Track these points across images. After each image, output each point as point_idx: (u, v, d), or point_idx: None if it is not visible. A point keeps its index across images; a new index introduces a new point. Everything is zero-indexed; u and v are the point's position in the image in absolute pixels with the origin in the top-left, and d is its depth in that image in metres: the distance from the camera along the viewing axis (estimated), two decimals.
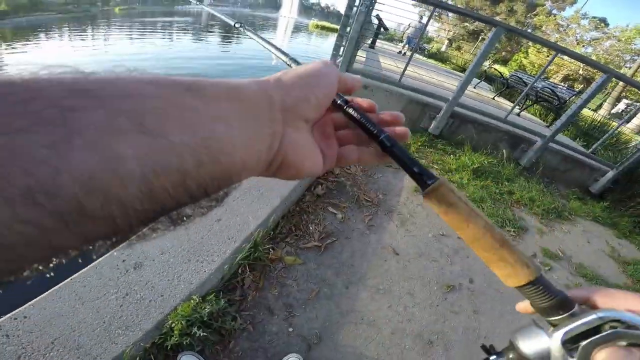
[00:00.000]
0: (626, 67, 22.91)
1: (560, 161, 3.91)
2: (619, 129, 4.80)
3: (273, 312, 1.32)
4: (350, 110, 0.30)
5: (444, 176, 2.88)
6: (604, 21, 29.40)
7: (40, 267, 0.13)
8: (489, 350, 0.34)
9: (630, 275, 2.63)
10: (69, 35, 10.44)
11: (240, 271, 1.37)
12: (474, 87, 5.42)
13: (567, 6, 36.31)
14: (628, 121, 4.16)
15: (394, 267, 1.77)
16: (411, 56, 3.60)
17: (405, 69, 3.59)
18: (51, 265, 0.14)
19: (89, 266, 1.16)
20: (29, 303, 1.01)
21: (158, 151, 0.14)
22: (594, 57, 23.55)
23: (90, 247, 0.15)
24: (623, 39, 23.28)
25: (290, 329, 1.30)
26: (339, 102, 0.30)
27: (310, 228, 1.81)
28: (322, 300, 1.44)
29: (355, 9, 3.38)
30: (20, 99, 0.12)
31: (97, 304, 1.07)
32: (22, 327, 0.95)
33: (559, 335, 0.26)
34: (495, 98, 6.75)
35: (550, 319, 0.28)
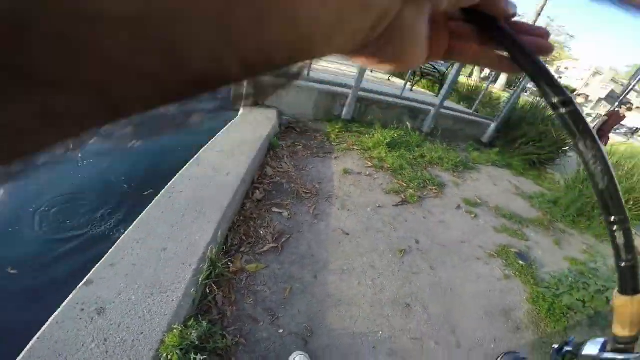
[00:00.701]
0: None
1: (453, 123, 4.50)
2: (488, 89, 5.73)
3: (257, 320, 1.29)
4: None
5: (364, 154, 3.10)
6: None
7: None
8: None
9: (538, 208, 3.15)
10: None
11: (208, 291, 1.30)
12: (371, 71, 5.90)
13: None
14: (494, 82, 5.02)
15: (348, 247, 1.86)
16: None
17: (311, 64, 3.72)
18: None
19: (48, 322, 1.03)
20: None
21: None
22: None
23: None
24: None
25: (281, 331, 1.28)
26: None
27: (261, 232, 1.79)
28: (297, 296, 1.44)
29: None
30: None
31: (80, 356, 0.96)
32: None
33: None
34: (390, 78, 7.44)
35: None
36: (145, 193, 2.87)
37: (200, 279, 1.31)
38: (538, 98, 5.05)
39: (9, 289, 1.85)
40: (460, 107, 5.63)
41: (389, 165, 3.00)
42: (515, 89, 4.63)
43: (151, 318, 1.10)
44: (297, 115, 3.77)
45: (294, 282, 1.51)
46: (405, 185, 2.77)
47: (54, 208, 2.54)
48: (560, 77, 35.01)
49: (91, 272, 1.21)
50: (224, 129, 2.75)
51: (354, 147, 3.27)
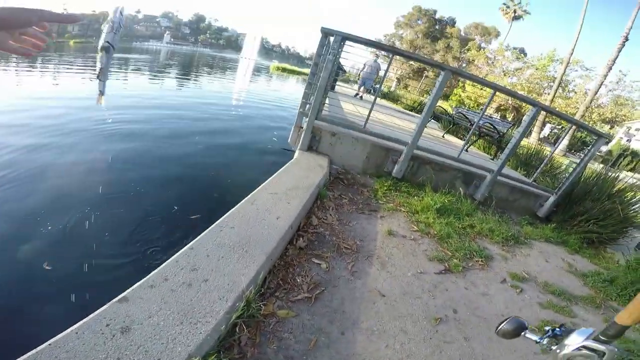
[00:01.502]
0: (545, 92, 25.94)
1: (508, 192, 4.31)
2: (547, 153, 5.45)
3: None
4: None
5: (411, 217, 3.07)
6: (522, 51, 33.93)
7: None
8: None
9: (591, 287, 2.87)
10: (17, 65, 10.30)
11: (237, 330, 1.35)
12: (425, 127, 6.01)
13: (493, 39, 42.10)
14: (553, 144, 4.78)
15: (383, 308, 1.82)
16: (374, 102, 3.93)
17: (369, 116, 3.90)
18: None
19: (67, 331, 1.08)
20: None
21: None
22: (518, 86, 26.74)
23: None
24: (540, 67, 26.51)
25: None
26: None
27: (298, 280, 1.84)
28: (321, 349, 1.44)
29: (322, 56, 3.62)
30: None
31: None
32: None
33: None
34: (444, 136, 7.43)
35: None
36: (193, 217, 3.12)
37: (233, 317, 1.36)
38: (606, 168, 4.70)
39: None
40: (517, 174, 5.40)
41: (435, 232, 2.94)
42: (579, 155, 4.36)
43: (173, 346, 1.13)
44: (346, 166, 3.90)
45: (320, 335, 1.51)
46: (450, 254, 2.68)
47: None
48: (629, 141, 31.46)
49: (128, 290, 1.29)
50: (279, 171, 2.94)
51: (401, 208, 3.27)
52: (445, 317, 1.91)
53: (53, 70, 11.29)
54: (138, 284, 1.33)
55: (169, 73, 16.37)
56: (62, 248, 2.49)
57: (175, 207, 3.25)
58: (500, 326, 0.87)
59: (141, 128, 5.48)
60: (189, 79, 14.58)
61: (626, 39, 17.10)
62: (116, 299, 1.24)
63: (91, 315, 1.15)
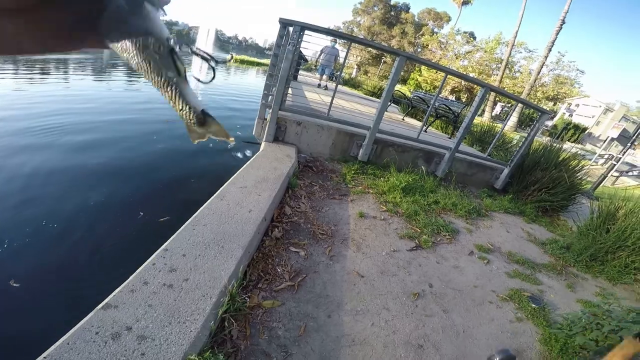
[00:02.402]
0: (494, 74, 27.45)
1: (467, 167, 4.56)
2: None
3: (270, 355, 1.31)
4: None
5: (380, 198, 3.16)
6: (472, 35, 35.43)
7: None
8: None
9: (551, 254, 3.14)
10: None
11: (226, 324, 1.34)
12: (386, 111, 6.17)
13: (445, 24, 43.61)
14: (505, 123, 5.10)
15: (363, 289, 1.88)
16: (335, 89, 3.95)
17: (331, 103, 3.93)
18: None
19: (58, 342, 1.04)
20: None
21: None
22: (469, 69, 28.02)
23: None
24: (488, 50, 27.92)
25: None
26: None
27: (278, 270, 1.84)
28: (311, 334, 1.47)
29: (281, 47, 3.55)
30: None
31: None
32: None
33: None
34: (404, 119, 7.67)
35: None
36: (161, 219, 3.01)
37: (220, 312, 1.35)
38: (551, 140, 5.12)
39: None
40: (474, 150, 5.73)
41: (403, 211, 3.05)
42: (528, 130, 4.69)
43: (167, 347, 1.12)
44: (314, 153, 3.92)
45: (308, 321, 1.54)
46: (419, 230, 2.81)
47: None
48: (571, 115, 34.48)
49: (110, 296, 1.25)
50: (246, 164, 2.89)
51: (370, 190, 3.35)
52: (422, 292, 2.01)
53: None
54: (118, 289, 1.29)
55: (117, 72, 15.36)
56: (29, 265, 2.31)
57: (141, 213, 3.10)
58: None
59: (92, 131, 5.12)
60: (138, 79, 13.76)
61: (563, 22, 18.43)
62: (99, 306, 1.19)
63: (78, 325, 1.10)
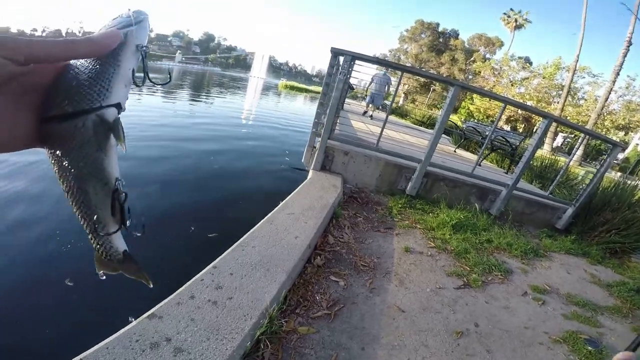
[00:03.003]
0: (555, 101, 25.55)
1: (525, 206, 4.27)
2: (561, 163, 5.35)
3: None
4: None
5: (427, 233, 3.08)
6: (528, 60, 33.73)
7: None
8: None
9: (617, 296, 2.80)
10: None
11: (262, 346, 1.39)
12: None
13: (497, 49, 42.26)
14: (571, 158, 4.71)
15: (402, 324, 1.83)
16: (385, 120, 3.99)
17: (381, 134, 3.98)
18: None
19: (98, 345, 1.14)
20: None
21: None
22: (527, 96, 26.42)
23: None
24: (547, 76, 26.15)
25: None
26: None
27: (317, 297, 1.87)
28: None
29: (332, 76, 3.71)
30: None
31: None
32: None
33: None
34: (456, 150, 7.43)
35: None
36: (211, 235, 3.21)
37: (257, 333, 1.41)
38: (623, 177, 4.60)
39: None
40: (533, 187, 5.35)
41: (452, 248, 2.94)
42: (595, 164, 4.28)
43: None
44: (360, 184, 3.95)
45: (341, 351, 1.54)
46: (468, 269, 2.68)
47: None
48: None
49: (156, 306, 1.34)
50: (295, 191, 3.02)
51: (417, 225, 3.29)
52: (466, 331, 1.91)
53: None
54: (165, 301, 1.39)
55: (182, 93, 17.05)
56: (82, 267, 2.59)
57: (192, 228, 3.35)
58: None
59: (149, 148, 5.71)
60: (199, 99, 15.18)
61: (630, 43, 17.03)
62: (145, 315, 1.29)
63: (121, 331, 1.20)
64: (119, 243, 0.39)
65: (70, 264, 2.55)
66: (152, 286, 0.42)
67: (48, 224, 3.01)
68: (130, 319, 1.28)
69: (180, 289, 1.49)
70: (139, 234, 0.42)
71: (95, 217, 0.35)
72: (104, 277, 0.42)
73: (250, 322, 1.42)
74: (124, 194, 0.35)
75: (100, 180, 0.33)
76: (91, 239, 0.37)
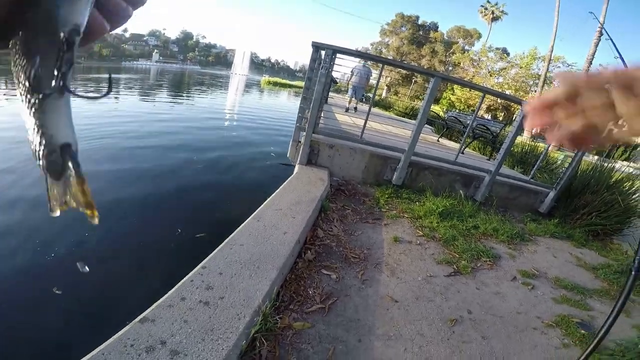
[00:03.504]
0: (532, 90, 26.29)
1: (508, 191, 4.36)
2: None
3: None
4: None
5: (415, 222, 3.10)
6: (505, 51, 34.51)
7: None
8: None
9: (603, 279, 2.89)
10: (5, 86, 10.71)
11: (257, 344, 1.36)
12: None
13: (475, 41, 43.08)
14: (550, 144, 4.83)
15: (397, 314, 1.84)
16: (368, 112, 4.00)
17: (364, 126, 3.98)
18: None
19: (93, 352, 1.10)
20: None
21: None
22: (505, 86, 27.06)
23: None
24: (523, 66, 26.86)
25: None
26: None
27: (310, 292, 1.85)
28: (340, 357, 1.45)
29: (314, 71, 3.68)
30: None
31: None
32: None
33: None
34: (439, 140, 7.54)
35: None
36: (198, 236, 3.16)
37: (252, 332, 1.38)
38: (601, 160, 4.77)
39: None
40: (515, 172, 5.48)
41: (440, 235, 2.97)
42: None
43: None
44: (346, 177, 3.94)
45: (337, 344, 1.52)
46: (457, 256, 2.71)
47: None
48: None
49: (148, 310, 1.31)
50: (281, 187, 2.98)
51: (404, 214, 3.30)
52: (460, 318, 1.92)
53: None
54: (156, 303, 1.35)
55: (160, 92, 16.73)
56: (71, 275, 2.50)
57: (179, 230, 3.27)
58: None
59: (130, 147, 5.57)
60: (180, 98, 14.90)
61: (601, 32, 17.61)
62: (137, 319, 1.25)
63: (115, 336, 1.16)
64: (59, 124, 0.27)
65: (55, 271, 2.47)
66: (97, 222, 0.29)
67: (25, 232, 2.89)
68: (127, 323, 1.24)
69: (171, 291, 1.45)
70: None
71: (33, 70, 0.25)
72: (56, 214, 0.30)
73: (244, 320, 1.39)
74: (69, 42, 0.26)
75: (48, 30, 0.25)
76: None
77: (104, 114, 7.90)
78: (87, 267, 1.89)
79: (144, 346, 1.15)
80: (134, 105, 10.70)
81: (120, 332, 1.19)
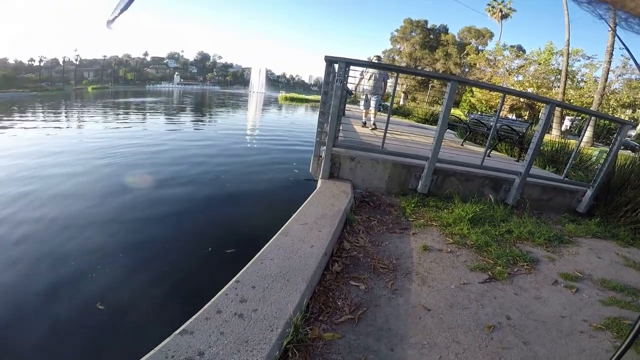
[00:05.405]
0: (555, 86, 25.20)
1: (541, 192, 4.19)
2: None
3: None
4: None
5: (444, 230, 3.04)
6: (520, 48, 33.55)
7: None
8: None
9: None
10: (43, 114, 11.39)
11: (290, 354, 1.38)
12: None
13: (488, 40, 42.25)
14: (580, 139, 4.61)
15: (430, 322, 1.80)
16: (387, 121, 3.99)
17: (385, 135, 3.97)
18: None
19: None
20: None
21: None
22: (526, 84, 26.18)
23: None
24: (542, 62, 25.89)
25: None
26: None
27: (339, 303, 1.86)
28: None
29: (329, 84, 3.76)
30: None
31: None
32: None
33: None
34: (463, 144, 7.38)
35: None
36: (228, 251, 3.26)
37: (284, 343, 1.40)
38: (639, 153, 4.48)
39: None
40: (547, 172, 5.26)
41: (472, 242, 2.88)
42: (609, 144, 4.14)
43: None
44: (370, 188, 3.94)
45: (369, 354, 1.51)
46: (492, 262, 2.61)
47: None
48: None
49: (187, 322, 1.37)
50: (306, 202, 3.03)
51: (433, 222, 3.24)
52: (498, 324, 1.85)
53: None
54: (194, 317, 1.42)
55: (184, 113, 17.64)
56: (112, 292, 2.65)
57: (210, 248, 3.39)
58: None
59: (154, 166, 5.89)
60: (202, 118, 15.69)
61: (615, 23, 16.88)
62: (177, 331, 1.32)
63: (156, 348, 1.23)
64: None
65: (96, 287, 2.63)
66: None
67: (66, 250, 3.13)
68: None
69: (207, 304, 1.52)
70: None
71: None
72: None
73: (276, 332, 1.42)
74: None
75: None
76: None
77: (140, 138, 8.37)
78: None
79: (183, 357, 1.21)
80: (158, 131, 11.28)
81: (161, 344, 1.25)
